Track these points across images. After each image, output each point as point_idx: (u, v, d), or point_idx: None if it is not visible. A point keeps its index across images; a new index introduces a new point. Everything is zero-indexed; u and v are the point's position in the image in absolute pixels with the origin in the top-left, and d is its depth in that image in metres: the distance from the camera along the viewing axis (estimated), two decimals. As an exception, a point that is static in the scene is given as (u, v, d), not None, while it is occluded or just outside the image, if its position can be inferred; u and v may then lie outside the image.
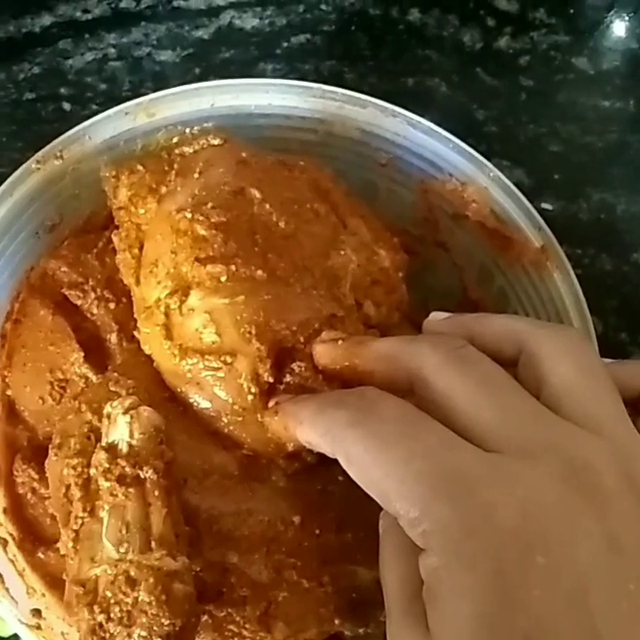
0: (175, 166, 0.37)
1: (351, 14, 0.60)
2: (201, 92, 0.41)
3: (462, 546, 0.22)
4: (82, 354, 0.35)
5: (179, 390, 0.32)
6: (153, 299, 0.33)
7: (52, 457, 0.30)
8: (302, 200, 0.36)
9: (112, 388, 0.32)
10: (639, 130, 0.57)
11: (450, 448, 0.23)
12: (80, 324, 0.37)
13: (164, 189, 0.36)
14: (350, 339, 0.30)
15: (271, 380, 0.30)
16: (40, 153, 0.38)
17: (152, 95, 0.40)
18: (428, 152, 0.41)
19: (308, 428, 0.27)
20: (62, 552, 0.29)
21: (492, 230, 0.41)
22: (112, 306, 0.36)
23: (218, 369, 0.31)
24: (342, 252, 0.35)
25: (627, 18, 0.61)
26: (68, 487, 0.29)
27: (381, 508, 0.25)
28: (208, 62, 0.57)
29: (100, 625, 0.26)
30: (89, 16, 0.58)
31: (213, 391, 0.31)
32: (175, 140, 0.40)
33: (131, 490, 0.27)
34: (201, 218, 0.33)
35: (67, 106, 0.55)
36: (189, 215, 0.33)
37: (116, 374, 0.33)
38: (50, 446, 0.30)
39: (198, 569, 0.29)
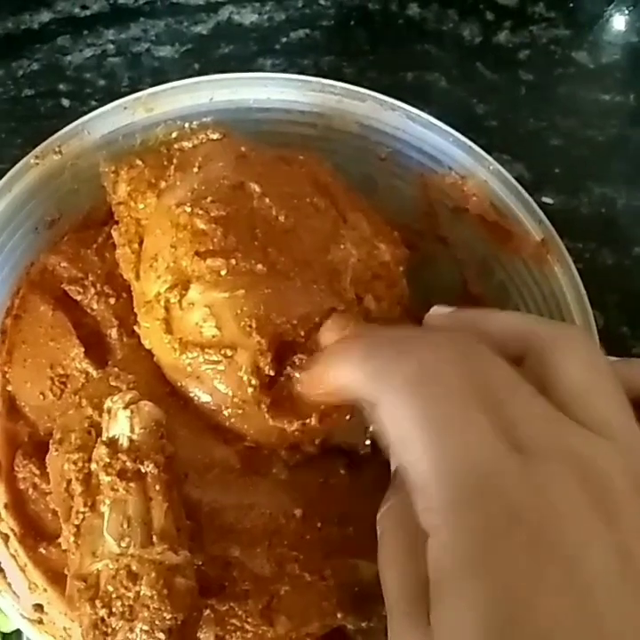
0: (174, 161, 0.37)
1: (350, 9, 0.60)
2: (199, 86, 0.41)
3: (472, 535, 0.22)
4: (82, 349, 0.35)
5: (179, 384, 0.32)
6: (153, 293, 0.33)
7: (53, 452, 0.30)
8: (302, 194, 0.36)
9: (112, 383, 0.32)
10: (639, 123, 0.57)
11: (491, 442, 0.23)
12: (80, 319, 0.37)
13: (163, 184, 0.36)
14: (361, 323, 0.30)
15: (272, 373, 0.31)
16: (39, 148, 0.38)
17: (150, 90, 0.40)
18: (427, 146, 0.41)
19: (358, 368, 0.25)
20: (64, 547, 0.29)
21: (492, 224, 0.40)
22: (112, 301, 0.36)
23: (218, 362, 0.31)
24: (342, 247, 0.35)
25: (627, 11, 0.61)
26: (69, 482, 0.29)
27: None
28: (207, 58, 0.57)
29: (102, 619, 0.26)
30: (87, 12, 0.58)
31: (214, 384, 0.31)
32: (174, 134, 0.40)
33: (132, 484, 0.27)
34: (200, 212, 0.33)
35: (66, 102, 0.55)
36: (189, 209, 0.33)
37: (116, 369, 0.33)
38: (51, 441, 0.31)
39: (200, 563, 0.29)
